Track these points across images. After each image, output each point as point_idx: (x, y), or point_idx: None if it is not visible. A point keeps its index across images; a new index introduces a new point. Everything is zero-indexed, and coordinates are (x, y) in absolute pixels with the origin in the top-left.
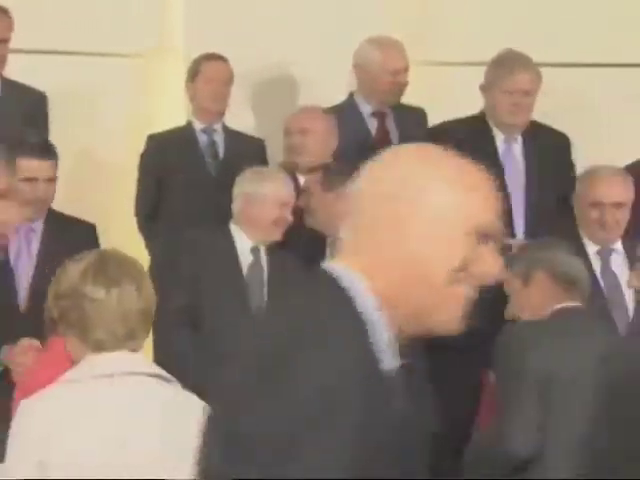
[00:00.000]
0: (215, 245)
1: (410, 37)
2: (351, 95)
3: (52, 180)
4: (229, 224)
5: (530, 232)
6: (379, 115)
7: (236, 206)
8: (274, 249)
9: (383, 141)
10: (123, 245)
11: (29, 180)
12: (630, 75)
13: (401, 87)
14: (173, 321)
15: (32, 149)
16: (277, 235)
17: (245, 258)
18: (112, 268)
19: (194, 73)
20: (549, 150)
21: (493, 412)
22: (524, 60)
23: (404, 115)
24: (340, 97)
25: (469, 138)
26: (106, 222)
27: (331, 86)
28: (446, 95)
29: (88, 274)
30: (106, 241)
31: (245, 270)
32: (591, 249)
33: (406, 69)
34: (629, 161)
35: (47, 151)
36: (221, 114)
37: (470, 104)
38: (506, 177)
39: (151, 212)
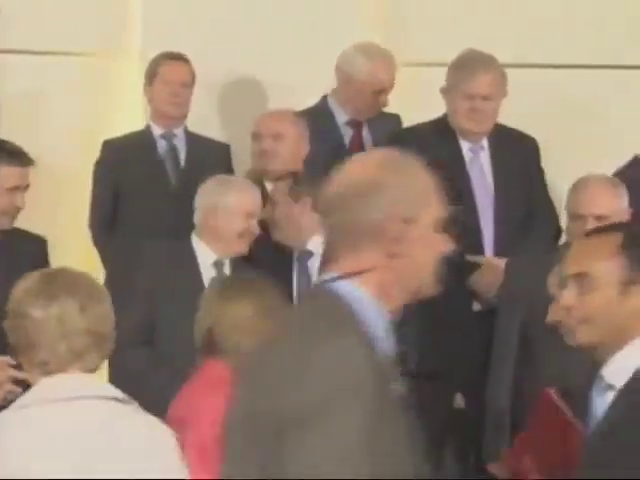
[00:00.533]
0: (175, 259)
1: (385, 38)
2: (324, 98)
3: (27, 187)
4: (191, 236)
5: (499, 249)
6: (354, 124)
7: (198, 218)
8: (239, 263)
9: (358, 151)
10: (76, 260)
11: (13, 190)
12: (609, 76)
13: (381, 106)
14: (128, 339)
15: (11, 156)
16: (243, 248)
17: (208, 272)
18: (56, 286)
19: (152, 74)
20: (517, 157)
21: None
22: (486, 61)
23: (379, 123)
24: (311, 100)
25: (435, 145)
26: (57, 235)
27: (301, 89)
28: (423, 97)
29: (31, 293)
30: (58, 256)
31: (207, 285)
32: None
33: (391, 88)
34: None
35: (26, 157)
36: (182, 118)
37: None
38: (474, 189)
39: (107, 224)
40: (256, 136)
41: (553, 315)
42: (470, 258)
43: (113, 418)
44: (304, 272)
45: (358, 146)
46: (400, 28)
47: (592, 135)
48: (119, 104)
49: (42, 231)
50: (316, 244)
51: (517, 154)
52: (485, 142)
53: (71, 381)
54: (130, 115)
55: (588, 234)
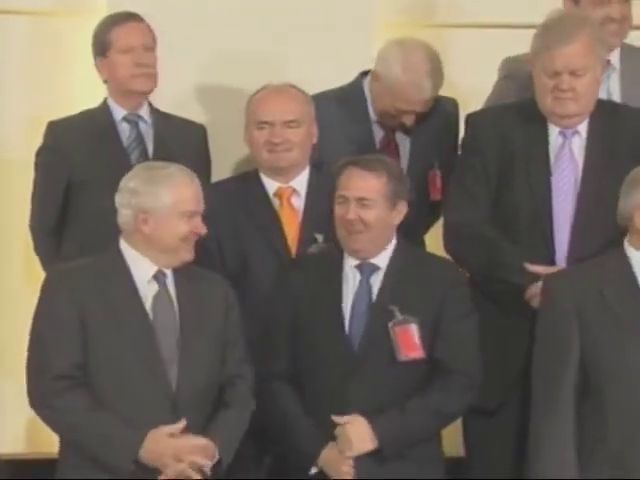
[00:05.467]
0: (102, 276)
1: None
2: (360, 78)
3: None
4: (119, 241)
5: (574, 260)
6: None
7: (124, 218)
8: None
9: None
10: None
11: None
12: None
13: (404, 123)
14: (61, 388)
15: None
16: (187, 256)
17: (146, 289)
18: None
19: (104, 45)
20: (625, 148)
21: None
22: (573, 24)
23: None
24: (307, 77)
25: (517, 133)
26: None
27: (296, 61)
28: (456, 63)
29: None
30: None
31: (149, 306)
32: None
33: (422, 110)
34: None
35: None
36: (150, 92)
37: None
38: (553, 183)
39: (53, 227)
40: (260, 124)
41: None
42: (530, 267)
43: None
44: (364, 289)
45: (390, 148)
46: None
47: None
48: (76, 76)
49: None
50: (383, 258)
51: (625, 143)
52: (584, 126)
53: None
54: (90, 90)
55: None
